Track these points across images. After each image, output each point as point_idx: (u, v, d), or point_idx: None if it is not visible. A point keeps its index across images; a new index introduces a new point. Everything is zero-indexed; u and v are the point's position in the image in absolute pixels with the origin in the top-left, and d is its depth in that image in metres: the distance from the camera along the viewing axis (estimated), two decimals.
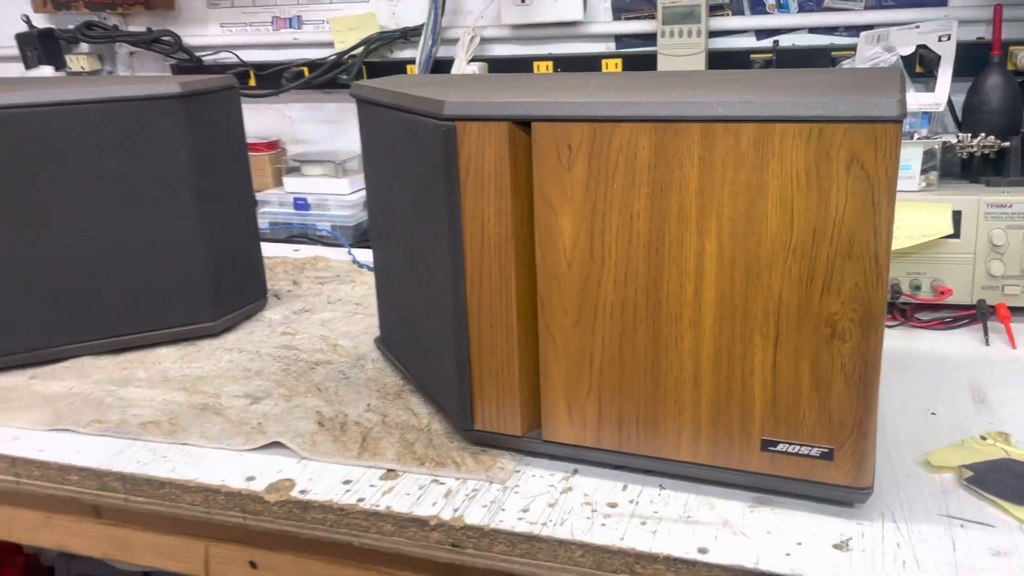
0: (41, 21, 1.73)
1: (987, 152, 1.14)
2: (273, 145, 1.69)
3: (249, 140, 1.70)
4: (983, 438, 0.80)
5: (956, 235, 1.06)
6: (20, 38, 1.67)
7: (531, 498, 0.74)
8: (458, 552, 0.72)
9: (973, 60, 1.22)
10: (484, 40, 1.50)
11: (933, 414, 0.85)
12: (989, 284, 1.06)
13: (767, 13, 1.37)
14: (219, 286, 1.11)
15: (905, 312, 1.09)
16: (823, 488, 0.69)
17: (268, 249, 1.53)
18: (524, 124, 0.71)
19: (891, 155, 0.61)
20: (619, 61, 1.41)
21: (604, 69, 1.42)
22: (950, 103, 1.21)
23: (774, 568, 0.64)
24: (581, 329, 0.73)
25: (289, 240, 1.57)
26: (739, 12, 1.38)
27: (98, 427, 0.90)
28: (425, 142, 0.76)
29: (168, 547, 0.89)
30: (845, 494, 0.69)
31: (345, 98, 1.65)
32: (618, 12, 1.43)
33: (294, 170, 1.64)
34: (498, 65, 1.49)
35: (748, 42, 1.39)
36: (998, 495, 0.70)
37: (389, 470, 0.80)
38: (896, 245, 1.05)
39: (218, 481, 0.80)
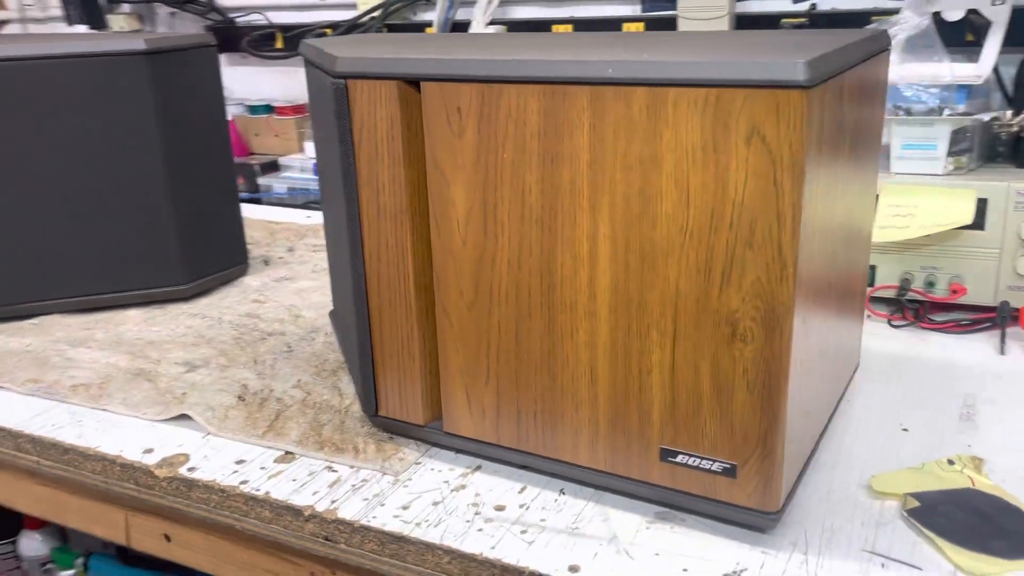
0: None
1: None
2: (300, 109, 1.67)
3: (276, 103, 1.68)
4: (950, 462, 0.69)
5: (980, 226, 0.93)
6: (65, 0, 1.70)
7: (417, 495, 0.68)
8: (331, 547, 0.67)
9: None
10: (504, 2, 1.42)
11: (905, 430, 0.75)
12: (1016, 284, 0.93)
13: None
14: (190, 249, 1.09)
15: (918, 311, 0.96)
16: (726, 508, 0.61)
17: (280, 214, 1.50)
18: (417, 84, 0.64)
19: (796, 127, 0.51)
20: (641, 26, 1.31)
21: None
22: (998, 76, 1.06)
23: None
24: (477, 312, 0.66)
25: (305, 206, 1.54)
26: None
27: (32, 386, 0.89)
28: (328, 101, 0.70)
29: (94, 513, 0.87)
30: (749, 517, 0.60)
31: None
32: None
33: None
34: (517, 28, 1.41)
35: (782, 4, 1.26)
36: (939, 532, 0.60)
37: (287, 452, 0.75)
38: (907, 235, 0.93)
39: (116, 451, 0.77)
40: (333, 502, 0.68)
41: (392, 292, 0.70)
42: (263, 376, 0.88)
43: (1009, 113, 0.99)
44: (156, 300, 1.10)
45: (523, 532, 0.63)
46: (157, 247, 1.07)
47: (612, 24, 1.34)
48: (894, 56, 1.01)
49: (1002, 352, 0.88)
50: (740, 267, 0.55)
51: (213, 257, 1.13)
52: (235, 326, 1.02)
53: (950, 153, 0.99)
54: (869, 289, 0.99)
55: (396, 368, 0.72)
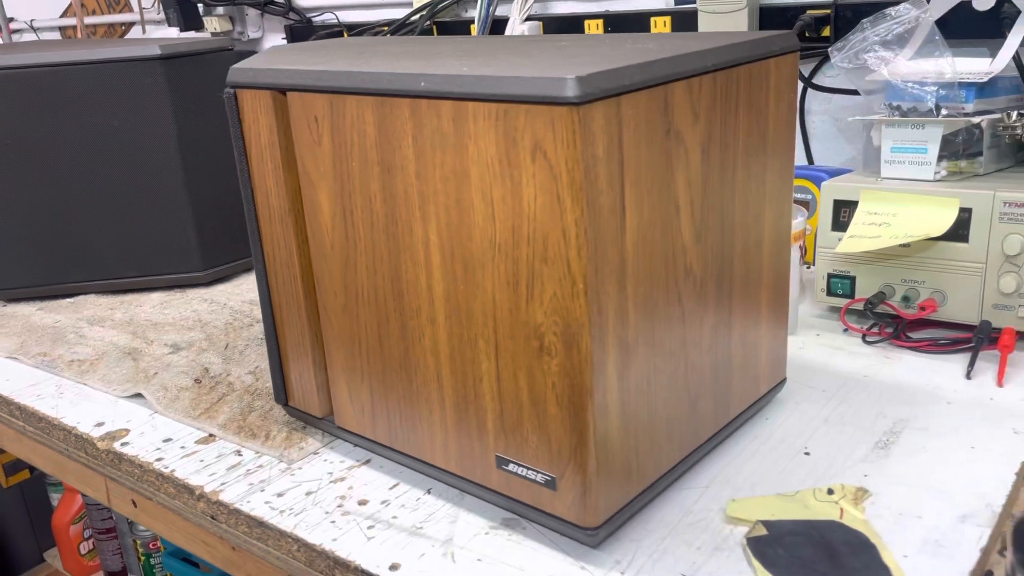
0: None
1: None
2: None
3: None
4: (830, 492, 0.65)
5: (964, 238, 0.86)
6: (163, 1, 1.85)
7: (298, 484, 0.72)
8: (216, 524, 0.72)
9: None
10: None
11: (807, 454, 0.71)
12: (1001, 303, 0.85)
13: None
14: (206, 239, 1.17)
15: (896, 328, 0.90)
16: (551, 520, 0.61)
17: None
18: (286, 94, 0.67)
19: (570, 144, 0.50)
20: (668, 19, 1.28)
21: (653, 28, 1.30)
22: (1021, 69, 0.96)
23: None
24: (348, 314, 0.69)
25: None
26: None
27: (39, 359, 1.00)
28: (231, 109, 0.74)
29: (84, 476, 0.97)
30: (571, 531, 0.60)
31: None
32: None
33: None
34: (552, 23, 1.41)
35: None
36: (766, 563, 0.57)
37: (210, 435, 0.81)
38: (875, 246, 0.87)
39: (74, 423, 0.85)
40: (223, 484, 0.73)
41: (287, 290, 0.74)
42: (228, 361, 0.95)
43: (1015, 114, 0.90)
44: (178, 285, 1.19)
45: (370, 528, 0.65)
46: (177, 236, 1.16)
47: (642, 18, 1.31)
48: (888, 52, 0.94)
49: (968, 376, 0.81)
50: (540, 282, 0.55)
51: (231, 246, 1.21)
52: (234, 312, 1.10)
53: (948, 157, 0.91)
54: (847, 302, 0.93)
55: (296, 362, 0.76)
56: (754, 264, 0.69)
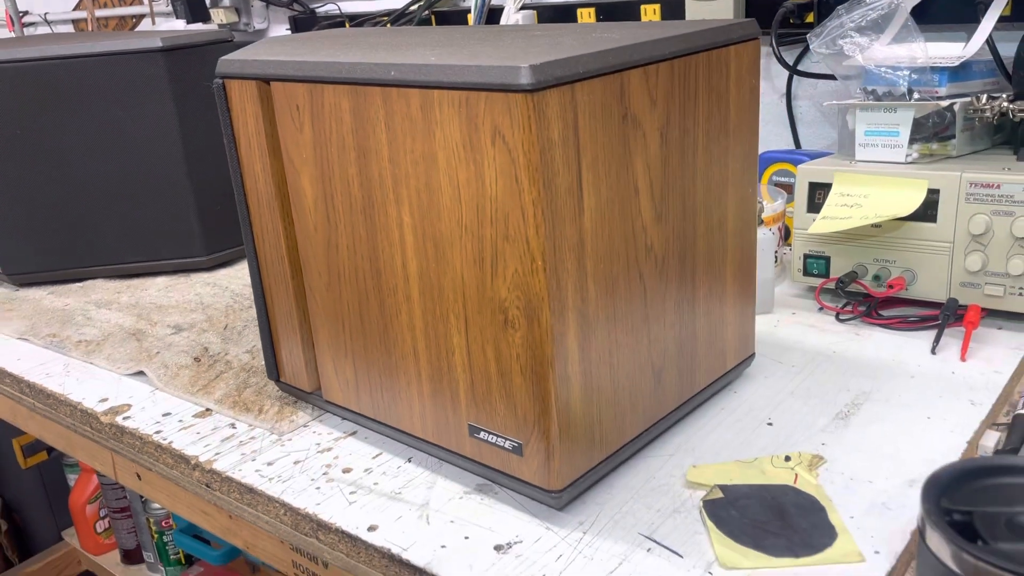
0: None
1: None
2: None
3: None
4: (787, 459, 0.68)
5: (933, 218, 0.88)
6: None
7: (288, 453, 0.76)
8: (210, 492, 0.76)
9: None
10: None
11: (770, 424, 0.74)
12: (967, 281, 0.88)
13: None
14: (209, 225, 1.21)
15: (869, 305, 0.93)
16: (518, 484, 0.64)
17: None
18: (267, 79, 0.71)
19: (526, 129, 0.54)
20: (657, 7, 1.31)
21: (643, 16, 1.32)
22: (996, 55, 0.99)
23: (414, 559, 0.61)
24: (332, 292, 0.73)
25: None
26: None
27: (49, 340, 1.04)
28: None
29: (92, 451, 1.02)
30: (536, 493, 0.63)
31: None
32: None
33: None
34: (546, 11, 1.44)
35: None
36: (718, 523, 0.61)
37: (207, 409, 0.85)
38: (846, 226, 0.89)
39: (79, 399, 0.90)
40: (217, 454, 0.77)
41: (275, 271, 0.78)
42: (227, 341, 0.99)
43: (984, 97, 0.92)
44: (182, 269, 1.24)
45: (352, 493, 0.69)
46: (180, 223, 1.20)
47: (632, 6, 1.34)
48: (863, 38, 0.97)
49: (933, 351, 0.84)
50: (503, 259, 0.58)
51: (232, 232, 1.25)
52: (234, 295, 1.14)
53: (920, 140, 0.94)
54: (821, 281, 0.96)
55: (286, 339, 0.80)
56: (718, 244, 0.73)
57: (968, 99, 0.92)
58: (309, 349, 0.79)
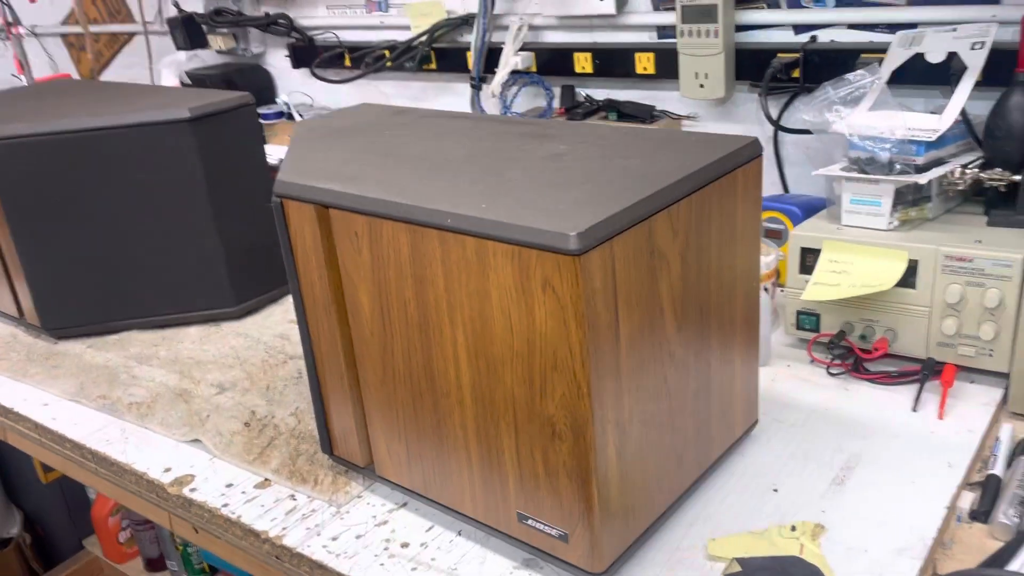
0: (191, 6, 1.97)
1: (997, 187, 1.03)
2: None
3: None
4: (792, 528, 0.79)
5: (912, 285, 0.98)
6: (170, 22, 1.93)
7: (348, 527, 0.85)
8: (280, 564, 0.85)
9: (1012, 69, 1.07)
10: (533, 28, 1.52)
11: (775, 491, 0.84)
12: (944, 342, 0.98)
13: (803, 7, 1.27)
14: (237, 278, 1.29)
15: (855, 361, 1.03)
16: (565, 566, 0.74)
17: None
18: (326, 206, 0.79)
19: (574, 283, 0.63)
20: (651, 56, 1.39)
21: (637, 64, 1.40)
22: (967, 122, 1.08)
23: None
24: (386, 387, 0.82)
25: None
26: (774, 5, 1.29)
27: (101, 402, 1.12)
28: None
29: (147, 505, 1.10)
30: (581, 574, 0.73)
31: (427, 76, 1.75)
32: (658, 1, 1.39)
33: None
34: (544, 54, 1.51)
35: (783, 36, 1.30)
36: None
37: (266, 479, 0.94)
38: (836, 295, 0.99)
39: (144, 468, 0.98)
40: (284, 529, 0.86)
41: (331, 364, 0.86)
42: (271, 403, 1.08)
43: (958, 171, 1.02)
44: (212, 319, 1.31)
45: (413, 569, 0.79)
46: (210, 276, 1.28)
47: (626, 54, 1.42)
48: (847, 109, 1.06)
49: (914, 409, 0.95)
50: (551, 384, 0.68)
51: (258, 280, 1.33)
52: (267, 348, 1.22)
53: (900, 206, 1.03)
54: (813, 336, 1.06)
55: (340, 420, 0.89)
56: (728, 333, 0.82)
57: (944, 173, 1.01)
58: (362, 430, 0.88)
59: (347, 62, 1.78)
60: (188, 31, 1.92)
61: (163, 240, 1.25)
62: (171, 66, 1.92)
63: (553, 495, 0.72)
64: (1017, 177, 1.02)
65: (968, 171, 1.02)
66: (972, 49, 1.09)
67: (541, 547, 0.75)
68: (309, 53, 1.87)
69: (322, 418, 0.91)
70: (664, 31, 1.40)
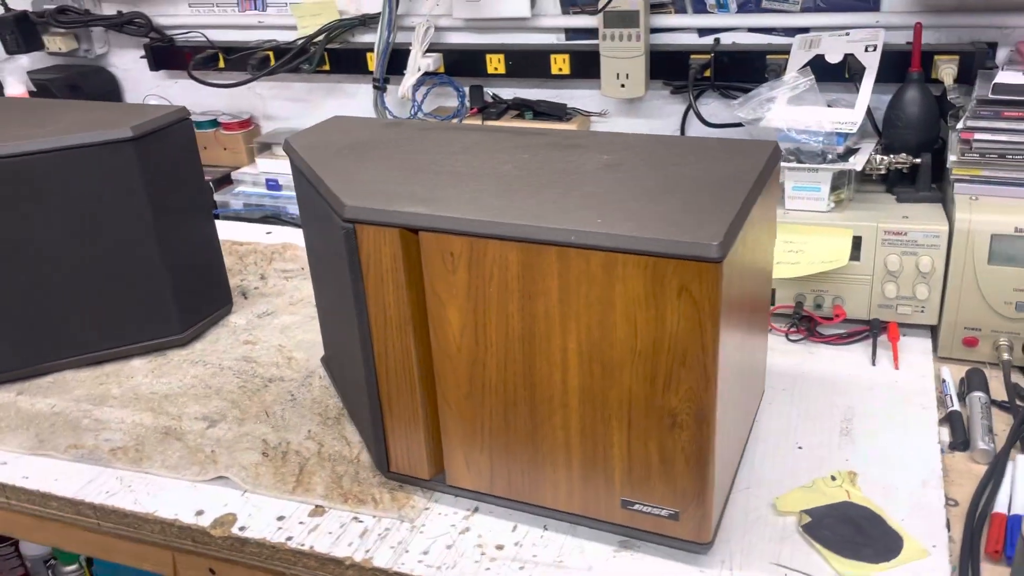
0: (20, 3, 1.78)
1: (900, 168, 1.21)
2: (246, 123, 1.77)
3: (222, 119, 1.77)
4: (833, 478, 0.91)
5: (857, 258, 1.14)
6: None
7: (433, 539, 0.87)
8: None
9: (902, 68, 1.25)
10: (439, 29, 1.54)
11: (800, 448, 0.97)
12: (884, 303, 1.15)
13: (707, 12, 1.40)
14: (183, 300, 1.22)
15: (810, 326, 1.18)
16: (672, 541, 0.82)
17: (242, 232, 1.62)
18: (415, 230, 0.80)
19: (714, 287, 0.70)
20: (567, 57, 1.46)
21: (552, 66, 1.47)
22: (870, 114, 1.26)
23: None
24: (472, 401, 0.84)
25: (263, 220, 1.67)
26: (681, 10, 1.41)
27: (74, 452, 1.03)
28: (334, 232, 0.85)
29: (142, 552, 1.03)
30: (689, 547, 0.81)
31: (311, 78, 1.71)
32: (567, 6, 1.47)
33: (266, 148, 1.73)
34: (452, 55, 1.54)
35: (690, 39, 1.43)
36: (824, 543, 0.82)
37: (317, 506, 0.93)
38: (799, 272, 1.13)
39: (172, 515, 0.93)
40: (367, 552, 0.86)
41: (399, 381, 0.87)
42: (277, 429, 1.05)
43: (880, 157, 1.19)
44: (157, 349, 1.23)
45: (521, 568, 0.83)
46: (154, 303, 1.20)
47: (541, 56, 1.48)
48: (780, 106, 1.20)
49: (873, 363, 1.11)
50: (677, 379, 0.74)
51: (202, 303, 1.26)
52: (236, 373, 1.18)
53: (832, 189, 1.19)
54: (772, 307, 1.20)
55: (404, 437, 0.90)
56: (758, 315, 0.93)
57: (870, 159, 1.18)
58: (432, 444, 0.89)
59: (221, 63, 1.70)
60: (23, 33, 1.73)
61: (101, 268, 1.16)
62: (16, 72, 1.72)
63: (665, 481, 0.79)
64: (918, 160, 1.21)
65: (885, 157, 1.20)
66: (866, 51, 1.27)
67: (645, 528, 0.82)
68: (169, 54, 1.76)
69: (381, 439, 0.91)
70: (573, 34, 1.48)
